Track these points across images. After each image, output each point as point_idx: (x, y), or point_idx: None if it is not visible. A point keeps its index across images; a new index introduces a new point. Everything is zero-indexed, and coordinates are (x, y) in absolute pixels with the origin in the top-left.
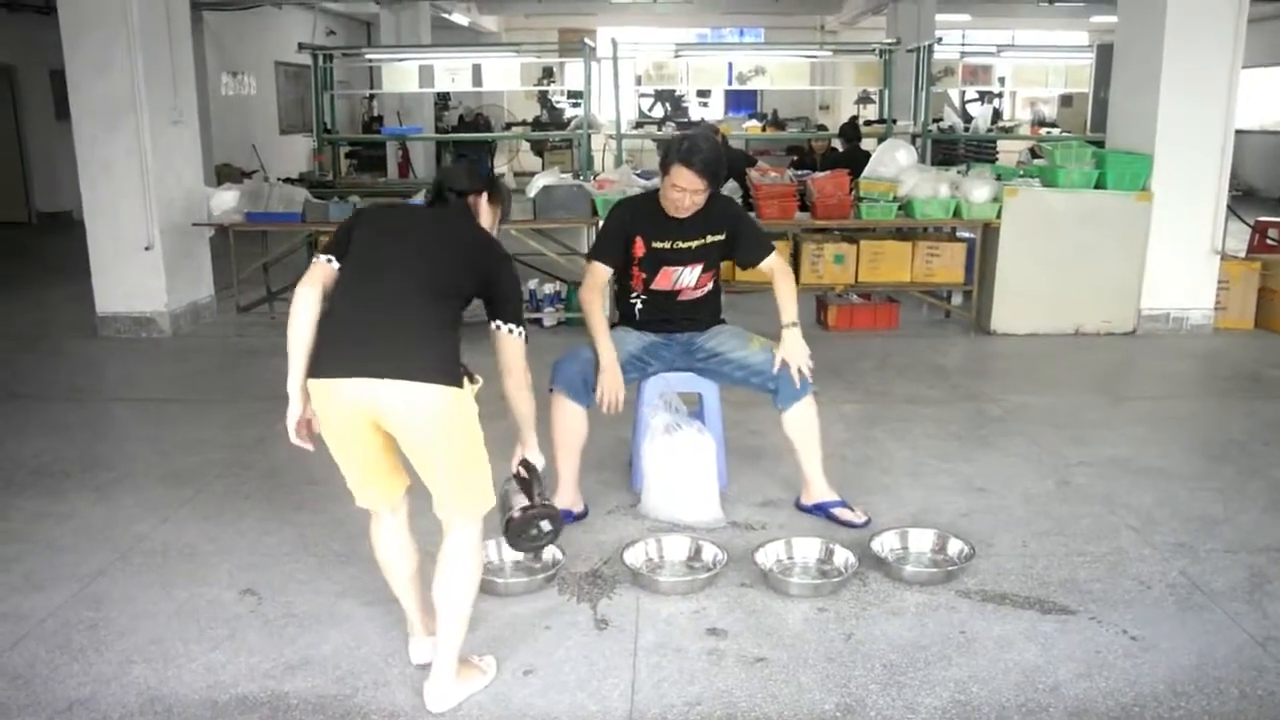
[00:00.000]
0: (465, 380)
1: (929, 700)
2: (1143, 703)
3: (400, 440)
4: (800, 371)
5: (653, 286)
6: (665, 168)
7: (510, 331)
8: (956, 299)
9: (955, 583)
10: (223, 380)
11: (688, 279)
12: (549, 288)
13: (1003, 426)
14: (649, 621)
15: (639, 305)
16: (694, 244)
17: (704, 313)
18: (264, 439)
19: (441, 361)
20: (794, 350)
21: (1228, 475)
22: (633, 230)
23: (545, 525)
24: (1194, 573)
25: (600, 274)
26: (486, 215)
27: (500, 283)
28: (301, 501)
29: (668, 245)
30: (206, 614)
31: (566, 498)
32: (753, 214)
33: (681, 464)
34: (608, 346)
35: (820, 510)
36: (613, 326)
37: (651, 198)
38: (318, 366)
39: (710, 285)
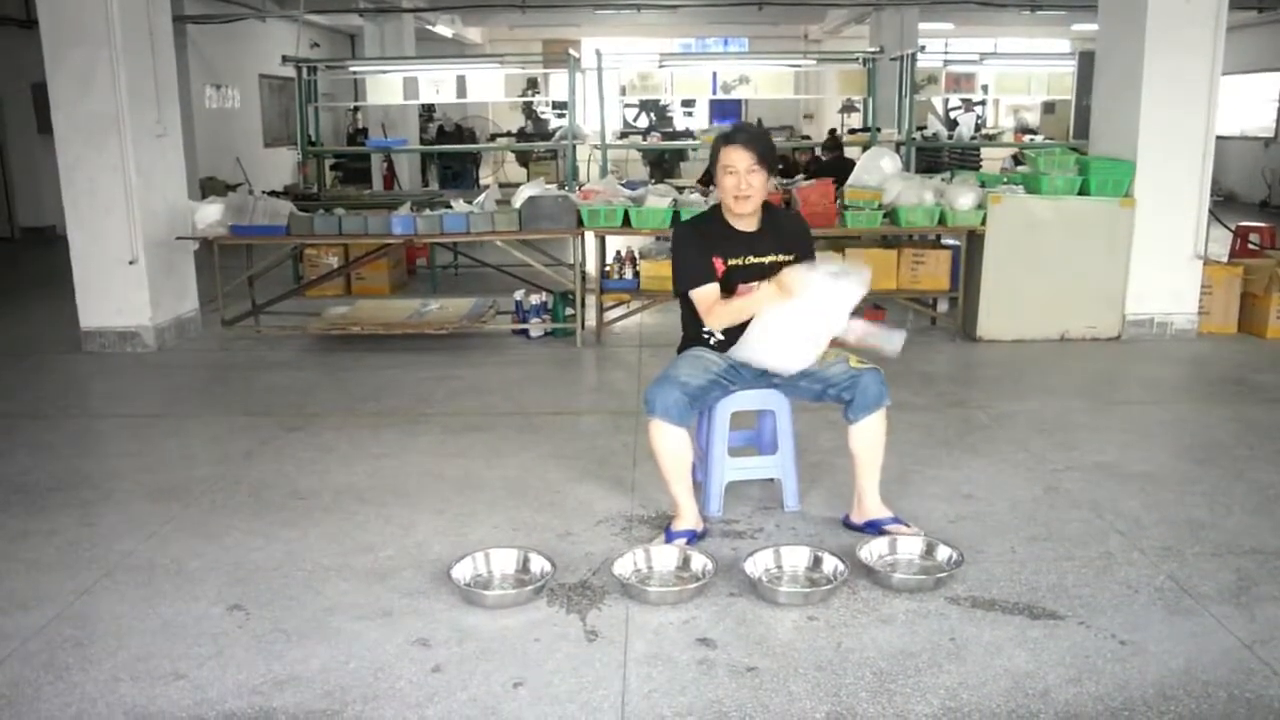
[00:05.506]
0: None
1: (920, 708)
2: (1132, 707)
3: None
4: (860, 362)
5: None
6: (714, 158)
7: None
8: (942, 306)
9: (944, 589)
10: (208, 395)
11: None
12: (535, 298)
13: (990, 433)
14: (639, 632)
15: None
16: (767, 260)
17: None
18: (250, 453)
19: None
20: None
21: (1213, 479)
22: (710, 250)
23: None
24: (1181, 576)
25: (709, 295)
26: None
27: None
28: (288, 516)
29: (741, 262)
30: (193, 630)
31: (690, 519)
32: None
33: (824, 308)
34: (766, 290)
35: (873, 528)
36: (686, 348)
37: (713, 215)
38: None
39: None
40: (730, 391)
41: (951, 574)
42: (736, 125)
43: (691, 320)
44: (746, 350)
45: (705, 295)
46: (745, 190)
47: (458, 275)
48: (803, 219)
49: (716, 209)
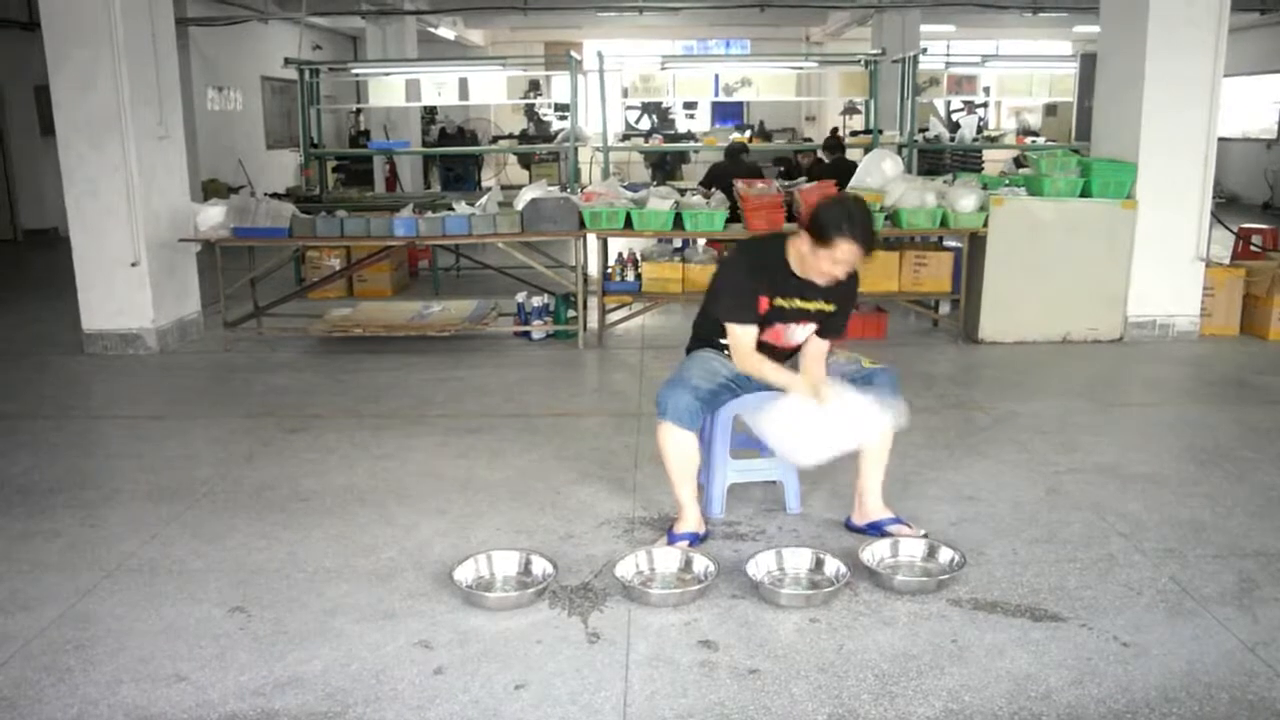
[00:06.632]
0: None
1: (922, 710)
2: (1134, 709)
3: None
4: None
5: (761, 339)
6: (825, 237)
7: None
8: (944, 308)
9: (946, 591)
10: (210, 396)
11: (797, 336)
12: (537, 300)
13: (991, 434)
14: (640, 634)
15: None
16: (813, 306)
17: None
18: (252, 455)
19: None
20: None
21: (1215, 480)
22: (759, 288)
23: None
24: (1184, 578)
25: (748, 337)
26: None
27: None
28: (290, 518)
29: (789, 304)
30: (195, 632)
31: (692, 521)
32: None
33: (850, 421)
34: (796, 380)
35: (875, 529)
36: (696, 349)
37: (775, 249)
38: None
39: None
40: (739, 396)
41: (953, 576)
42: (862, 221)
43: (706, 323)
44: (765, 426)
45: (744, 336)
46: (840, 277)
47: (460, 277)
48: (857, 277)
49: (781, 243)
